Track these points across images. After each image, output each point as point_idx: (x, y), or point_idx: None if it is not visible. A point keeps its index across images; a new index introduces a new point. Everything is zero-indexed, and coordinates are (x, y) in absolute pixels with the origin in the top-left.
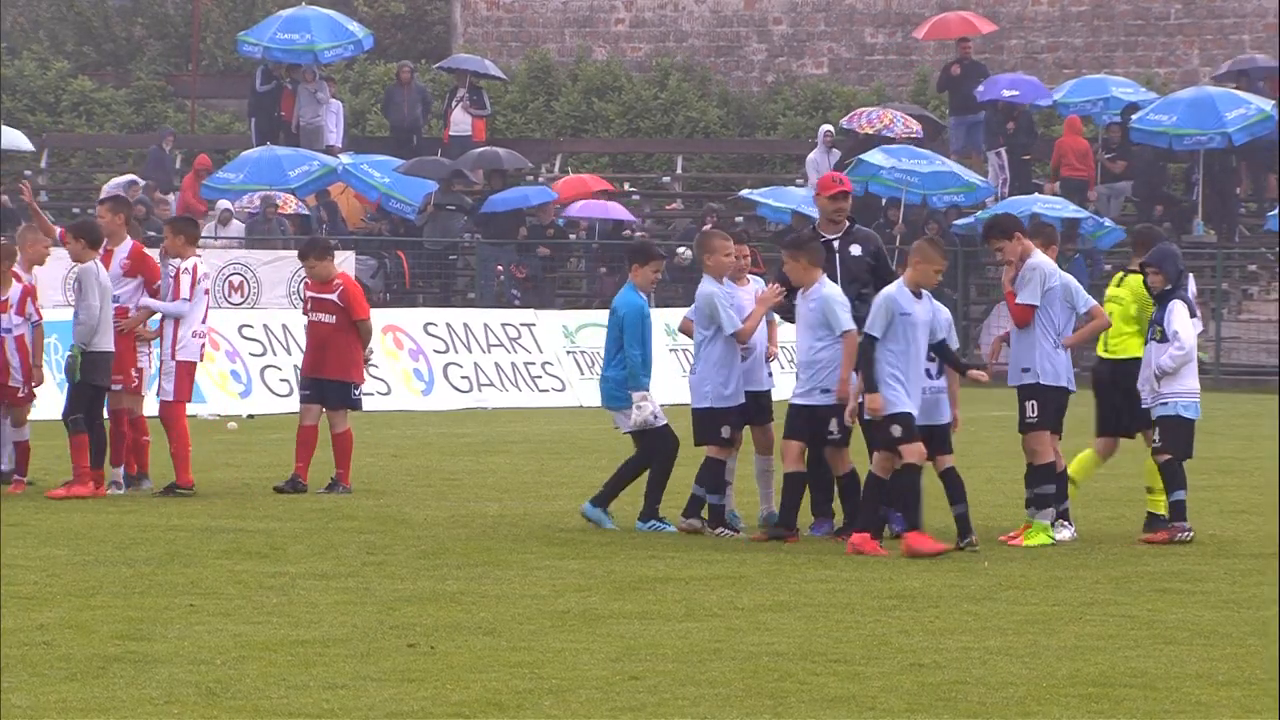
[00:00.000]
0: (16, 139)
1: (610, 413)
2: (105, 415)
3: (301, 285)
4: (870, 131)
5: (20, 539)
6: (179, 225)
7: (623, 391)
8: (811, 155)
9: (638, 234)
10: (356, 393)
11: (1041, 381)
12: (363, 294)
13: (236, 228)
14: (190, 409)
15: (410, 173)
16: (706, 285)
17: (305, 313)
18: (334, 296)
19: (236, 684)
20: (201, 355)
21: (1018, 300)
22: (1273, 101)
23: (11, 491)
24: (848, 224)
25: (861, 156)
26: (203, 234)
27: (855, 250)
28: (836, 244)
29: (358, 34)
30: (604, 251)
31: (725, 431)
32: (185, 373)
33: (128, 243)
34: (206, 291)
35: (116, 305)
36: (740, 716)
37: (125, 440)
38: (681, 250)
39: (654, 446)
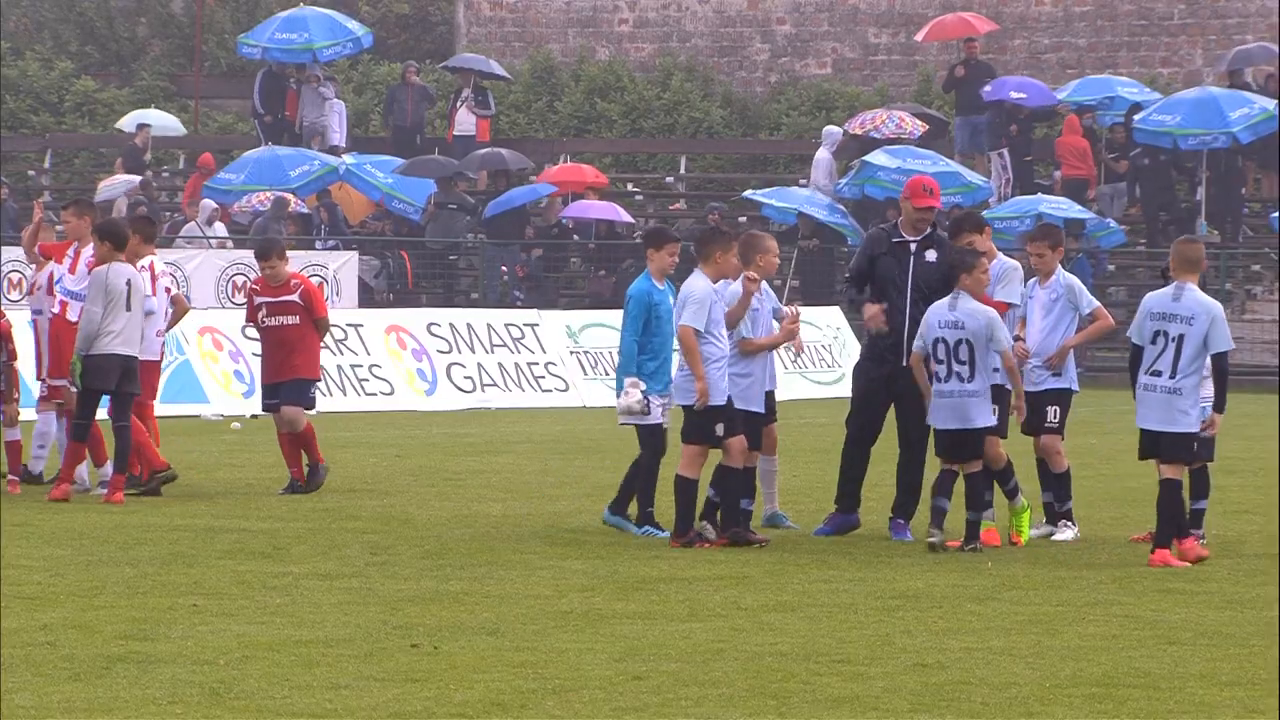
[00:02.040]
0: (166, 121)
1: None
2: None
3: (248, 293)
4: (861, 134)
5: (24, 539)
6: (134, 225)
7: (620, 379)
8: (821, 155)
9: (636, 235)
10: (313, 391)
11: (1066, 387)
12: (320, 292)
13: (222, 228)
14: (194, 409)
15: (409, 173)
16: (695, 281)
17: (260, 320)
18: (295, 297)
19: (240, 684)
20: (161, 353)
21: (999, 298)
22: (1274, 101)
23: (10, 491)
24: (930, 229)
25: (865, 159)
26: (201, 234)
27: (930, 256)
28: (914, 247)
29: (357, 32)
30: (600, 252)
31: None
32: (152, 371)
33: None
34: (167, 290)
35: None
36: (743, 717)
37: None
38: None
39: (644, 444)
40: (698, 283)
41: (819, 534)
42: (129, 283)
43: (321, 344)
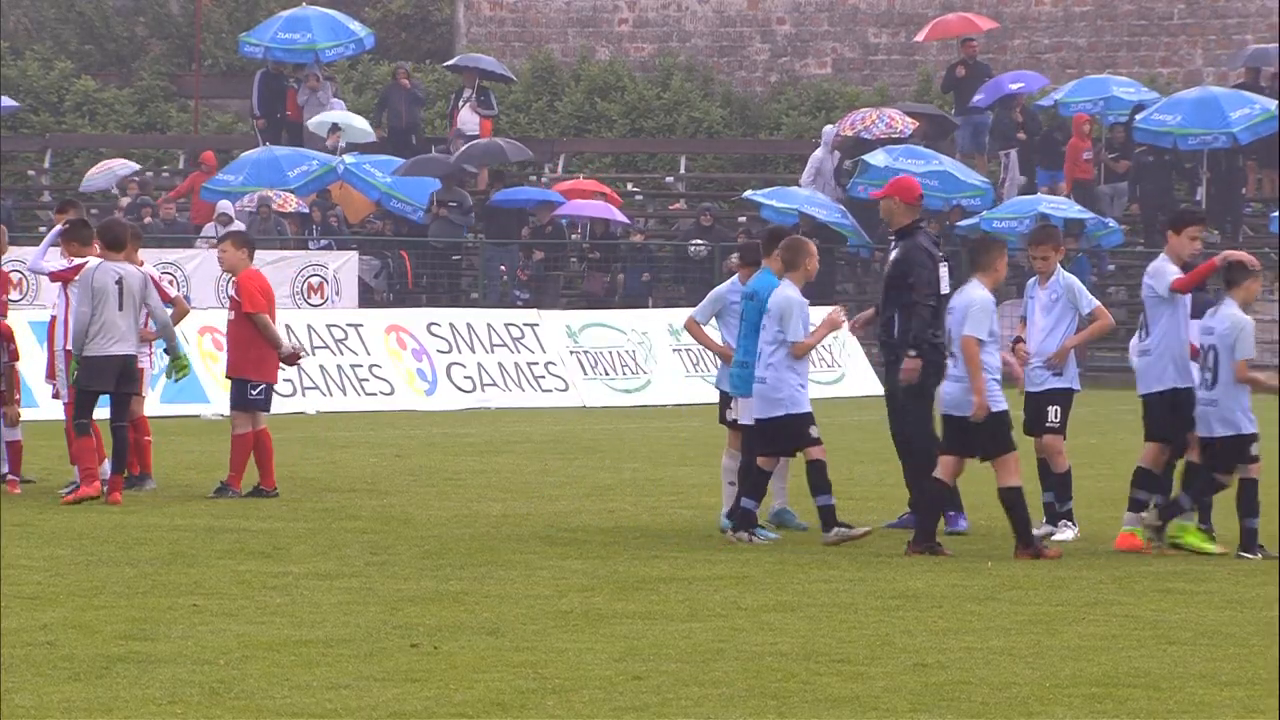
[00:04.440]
0: (356, 123)
1: (740, 401)
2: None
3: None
4: (851, 134)
5: (24, 539)
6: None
7: None
8: (815, 153)
9: (635, 235)
10: (255, 393)
11: (1067, 386)
12: (255, 287)
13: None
14: (194, 409)
15: (411, 172)
16: (787, 290)
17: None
18: (235, 292)
19: (240, 684)
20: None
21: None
22: (1275, 101)
23: (10, 491)
24: (906, 226)
25: (863, 158)
26: (203, 235)
27: (893, 254)
28: (891, 244)
29: (359, 33)
30: (594, 250)
31: (814, 431)
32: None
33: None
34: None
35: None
36: (743, 717)
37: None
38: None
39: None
40: (978, 292)
41: (889, 527)
42: (120, 281)
43: (278, 347)
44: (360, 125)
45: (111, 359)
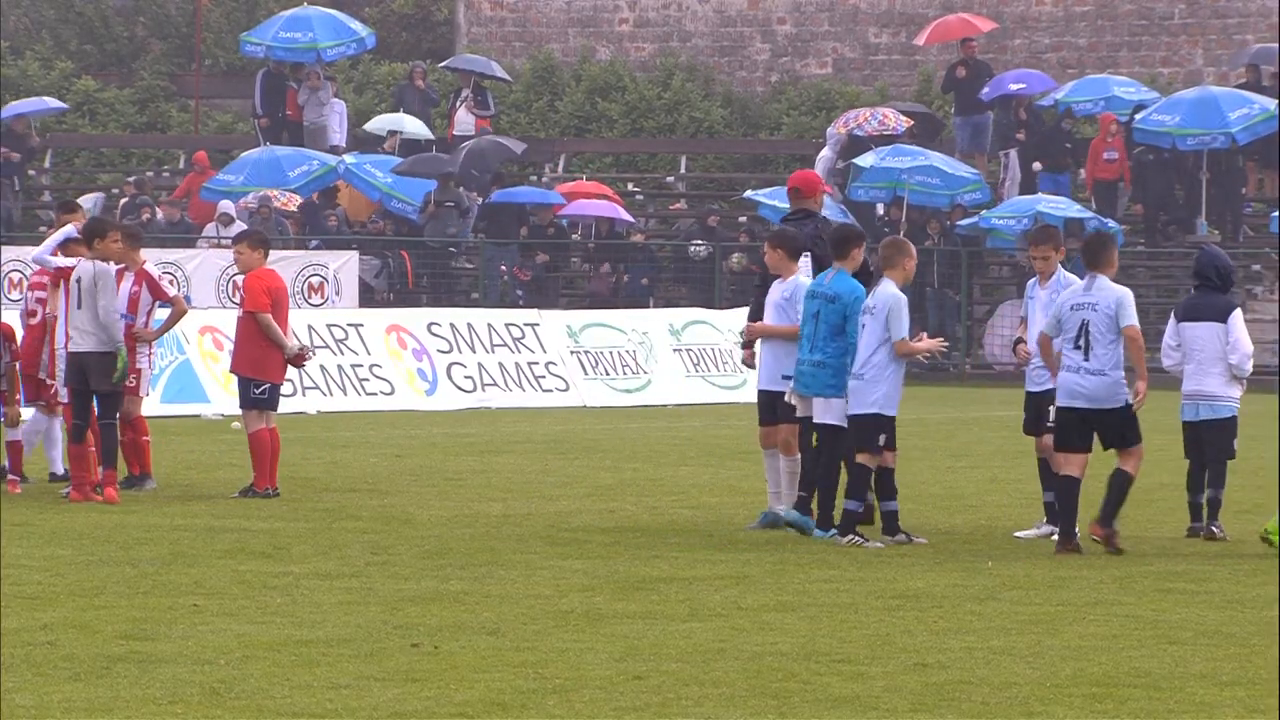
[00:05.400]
0: (410, 124)
1: (801, 397)
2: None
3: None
4: (844, 132)
5: (24, 539)
6: (123, 231)
7: (839, 379)
8: (824, 153)
9: (635, 235)
10: (258, 391)
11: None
12: (260, 286)
13: (239, 229)
14: (194, 409)
15: (410, 171)
16: (891, 288)
17: None
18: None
19: (240, 684)
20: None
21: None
22: (1274, 101)
23: (10, 491)
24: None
25: (854, 161)
26: (204, 234)
27: None
28: None
29: (360, 32)
30: (599, 251)
31: (883, 439)
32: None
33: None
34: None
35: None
36: (744, 716)
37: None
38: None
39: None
40: (1119, 289)
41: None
42: (78, 281)
43: (283, 347)
44: (417, 127)
45: (71, 356)
